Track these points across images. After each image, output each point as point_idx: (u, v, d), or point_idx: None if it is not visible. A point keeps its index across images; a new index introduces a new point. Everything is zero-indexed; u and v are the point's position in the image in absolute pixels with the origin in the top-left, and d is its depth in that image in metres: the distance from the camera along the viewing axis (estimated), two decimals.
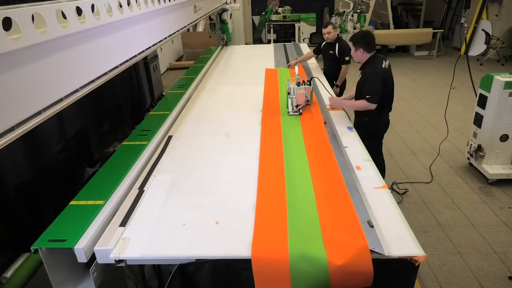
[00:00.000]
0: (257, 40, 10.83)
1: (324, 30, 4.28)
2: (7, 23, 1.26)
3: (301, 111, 3.02)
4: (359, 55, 2.97)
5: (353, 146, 2.44)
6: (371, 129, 3.04)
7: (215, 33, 6.32)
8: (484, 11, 8.69)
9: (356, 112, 3.13)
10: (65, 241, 1.60)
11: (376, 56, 2.98)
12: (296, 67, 3.24)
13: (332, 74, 4.38)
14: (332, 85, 4.05)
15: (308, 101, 3.10)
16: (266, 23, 10.12)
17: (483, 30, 8.50)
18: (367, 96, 2.86)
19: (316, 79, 3.43)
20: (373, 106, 2.86)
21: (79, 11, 1.64)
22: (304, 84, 3.03)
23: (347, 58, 4.10)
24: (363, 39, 2.95)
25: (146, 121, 3.06)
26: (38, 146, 2.84)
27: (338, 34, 4.35)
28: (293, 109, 3.04)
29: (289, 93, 3.13)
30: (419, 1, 10.92)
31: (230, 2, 6.22)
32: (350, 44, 3.14)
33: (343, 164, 2.20)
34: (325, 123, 2.82)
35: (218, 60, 5.28)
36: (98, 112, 3.90)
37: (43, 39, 1.41)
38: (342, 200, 1.83)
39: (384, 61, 2.96)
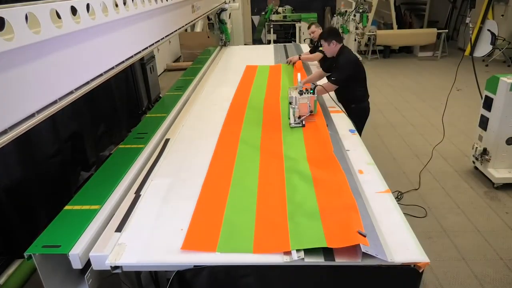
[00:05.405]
0: (257, 41, 10.78)
1: (309, 30, 4.56)
2: None
3: (303, 122, 2.76)
4: (333, 48, 3.18)
5: (355, 149, 2.39)
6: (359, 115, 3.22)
7: (213, 34, 6.29)
8: (490, 11, 8.61)
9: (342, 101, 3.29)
10: (60, 247, 1.57)
11: (345, 47, 3.23)
12: (299, 74, 3.03)
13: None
14: None
15: (311, 111, 2.82)
16: (266, 23, 10.04)
17: (488, 30, 8.42)
18: (332, 78, 3.11)
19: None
20: (334, 87, 3.12)
21: (74, 10, 1.60)
22: (308, 93, 2.75)
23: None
24: (333, 32, 3.25)
25: (143, 124, 3.01)
26: (32, 149, 2.80)
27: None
28: (295, 120, 2.76)
29: (290, 103, 2.84)
30: (423, 0, 10.84)
31: (229, 2, 6.14)
32: (322, 41, 3.24)
33: (345, 168, 2.14)
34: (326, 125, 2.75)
35: (216, 61, 5.22)
36: (93, 114, 3.85)
37: (37, 39, 1.37)
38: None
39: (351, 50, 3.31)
